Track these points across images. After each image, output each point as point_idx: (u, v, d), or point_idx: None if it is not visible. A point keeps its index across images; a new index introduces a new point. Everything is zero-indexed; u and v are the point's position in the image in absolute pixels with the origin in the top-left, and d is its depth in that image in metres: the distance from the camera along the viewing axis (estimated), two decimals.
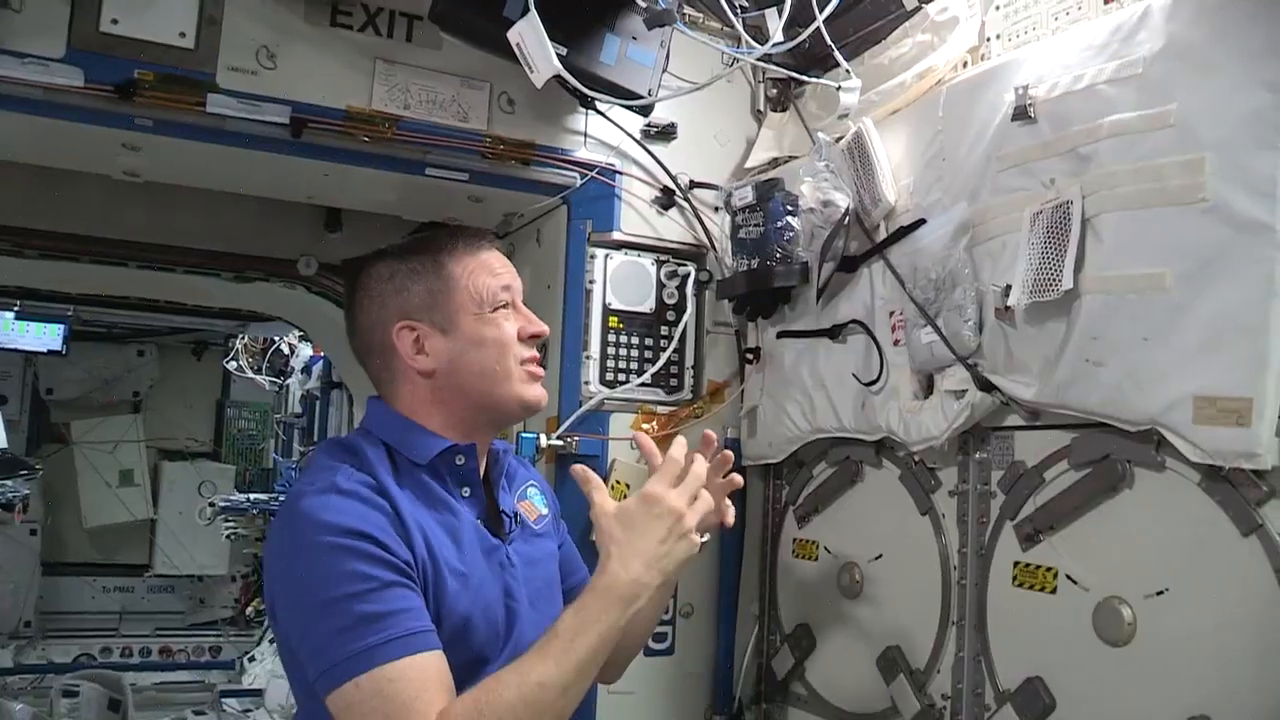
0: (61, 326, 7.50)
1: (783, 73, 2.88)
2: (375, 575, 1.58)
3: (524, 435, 2.83)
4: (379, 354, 1.88)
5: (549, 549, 2.03)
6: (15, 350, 7.79)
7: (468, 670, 1.66)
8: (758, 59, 2.55)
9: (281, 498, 7.96)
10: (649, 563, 1.64)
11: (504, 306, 1.87)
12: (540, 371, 1.90)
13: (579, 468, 1.79)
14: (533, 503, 2.03)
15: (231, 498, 8.18)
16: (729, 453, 2.05)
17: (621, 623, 1.62)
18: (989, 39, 2.48)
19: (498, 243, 1.97)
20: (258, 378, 8.67)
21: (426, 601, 1.65)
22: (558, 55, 2.33)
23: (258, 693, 6.78)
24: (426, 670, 1.56)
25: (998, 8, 2.45)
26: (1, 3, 2.41)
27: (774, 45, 2.45)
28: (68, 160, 3.19)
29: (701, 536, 1.75)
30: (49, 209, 3.74)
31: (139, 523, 8.92)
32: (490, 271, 1.87)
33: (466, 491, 1.85)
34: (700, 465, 1.75)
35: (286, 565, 1.65)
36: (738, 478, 2.04)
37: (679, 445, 1.77)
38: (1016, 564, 2.24)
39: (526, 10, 2.29)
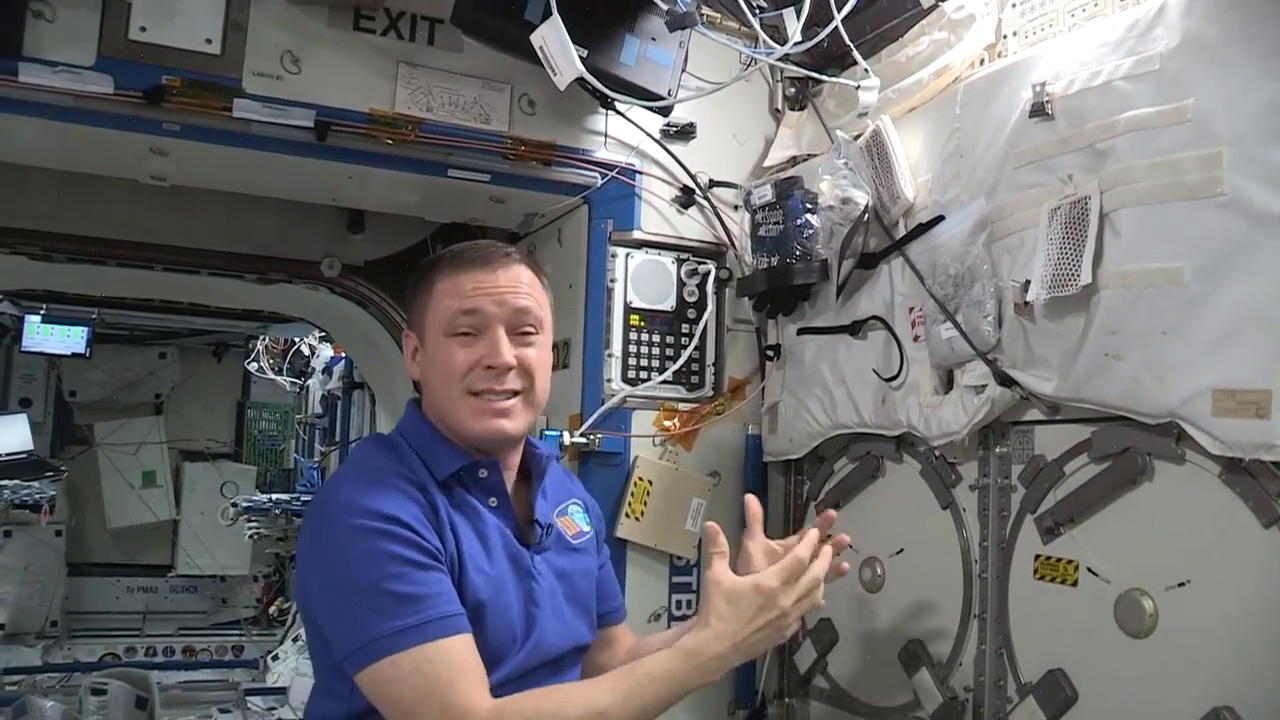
0: (85, 329, 7.57)
1: (801, 72, 2.90)
2: (410, 557, 1.62)
3: (547, 432, 2.87)
4: None
5: (585, 566, 2.03)
6: (40, 353, 7.88)
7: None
8: (777, 59, 2.56)
9: (304, 497, 8.03)
10: (739, 646, 1.70)
11: (463, 334, 1.82)
12: (501, 405, 1.82)
13: (711, 526, 1.81)
14: (573, 519, 2.03)
15: (254, 498, 8.24)
16: (844, 537, 2.06)
17: (693, 686, 1.68)
18: (1005, 36, 2.49)
19: (513, 259, 1.90)
20: (278, 379, 8.74)
21: None
22: (579, 56, 2.36)
23: (282, 691, 6.82)
24: (463, 654, 1.60)
25: (1014, 5, 2.46)
26: (36, 13, 2.47)
27: (793, 45, 2.46)
28: (97, 165, 3.24)
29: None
30: (77, 214, 3.79)
31: (162, 523, 9.00)
32: (459, 294, 1.82)
33: (494, 502, 1.86)
34: (820, 567, 1.82)
35: (321, 548, 1.68)
36: (844, 566, 2.06)
37: (808, 543, 1.82)
38: (1037, 557, 2.26)
39: (548, 13, 2.32)
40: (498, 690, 1.64)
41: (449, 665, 1.57)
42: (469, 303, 1.82)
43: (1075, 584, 2.16)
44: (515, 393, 1.83)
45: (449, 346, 1.82)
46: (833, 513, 2.04)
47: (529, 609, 1.81)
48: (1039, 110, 2.20)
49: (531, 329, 1.87)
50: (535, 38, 2.37)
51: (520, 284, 1.87)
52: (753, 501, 2.01)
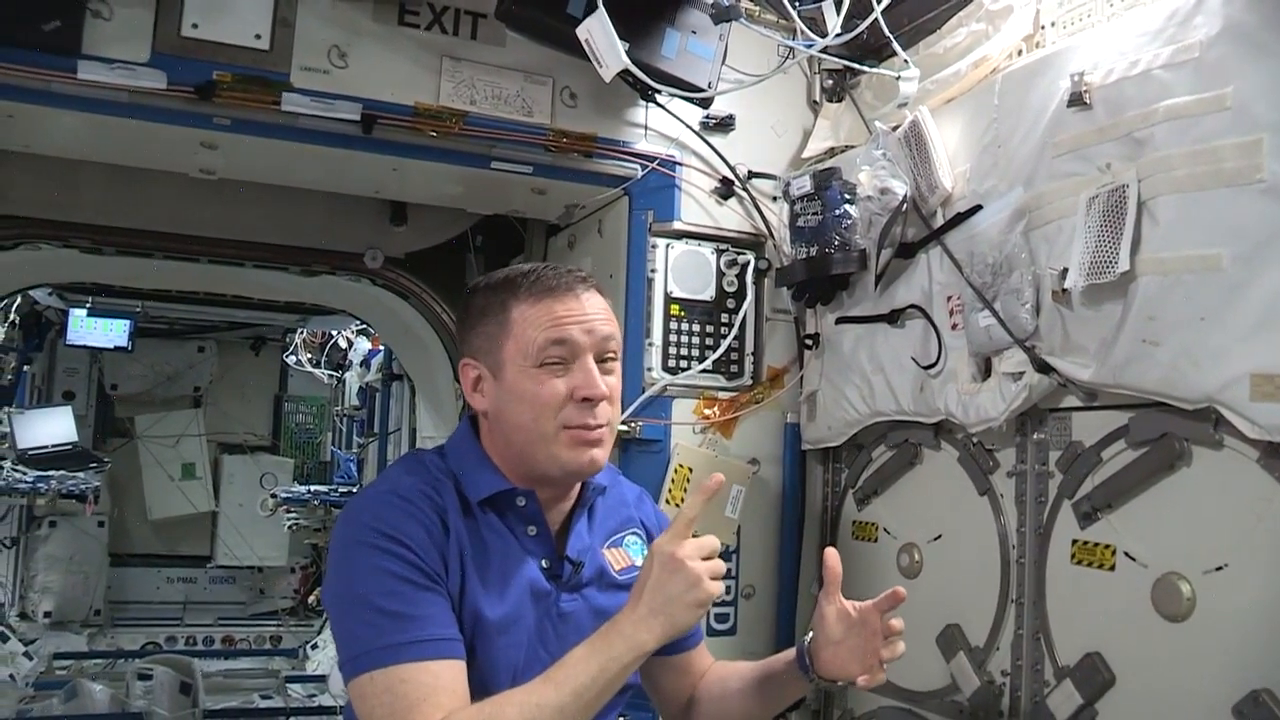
0: (128, 323, 7.69)
1: (840, 63, 2.93)
2: (408, 577, 1.62)
3: None
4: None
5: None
6: (84, 346, 8.03)
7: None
8: (817, 51, 2.59)
9: (341, 489, 8.13)
10: (653, 608, 1.61)
11: (554, 363, 1.72)
12: (593, 436, 1.73)
13: (716, 478, 1.70)
14: (627, 551, 1.93)
15: (293, 489, 8.36)
16: (899, 590, 1.84)
17: (622, 656, 1.60)
18: (1043, 26, 2.51)
19: (591, 284, 1.80)
20: (316, 371, 8.84)
21: None
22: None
23: (321, 678, 6.93)
24: (440, 677, 1.58)
25: None
26: (94, 12, 2.54)
27: (833, 37, 2.49)
28: (148, 159, 3.31)
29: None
30: (126, 207, 3.88)
31: (201, 515, 9.16)
32: (546, 324, 1.73)
33: (532, 530, 1.79)
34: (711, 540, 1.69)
35: (337, 556, 1.70)
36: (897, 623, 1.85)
37: (697, 499, 1.70)
38: (1075, 542, 2.28)
39: (592, 7, 2.37)
40: None
41: (420, 686, 1.56)
42: (559, 332, 1.72)
43: (1113, 568, 2.18)
44: (605, 424, 1.75)
45: (539, 378, 1.71)
46: (902, 591, 1.83)
47: (537, 652, 1.74)
48: (1077, 100, 2.22)
49: (613, 356, 1.80)
50: (581, 30, 2.42)
51: (602, 310, 1.79)
52: (833, 560, 1.84)
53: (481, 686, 1.65)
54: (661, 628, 1.62)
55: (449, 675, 1.59)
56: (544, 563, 1.78)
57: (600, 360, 1.76)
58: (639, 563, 1.86)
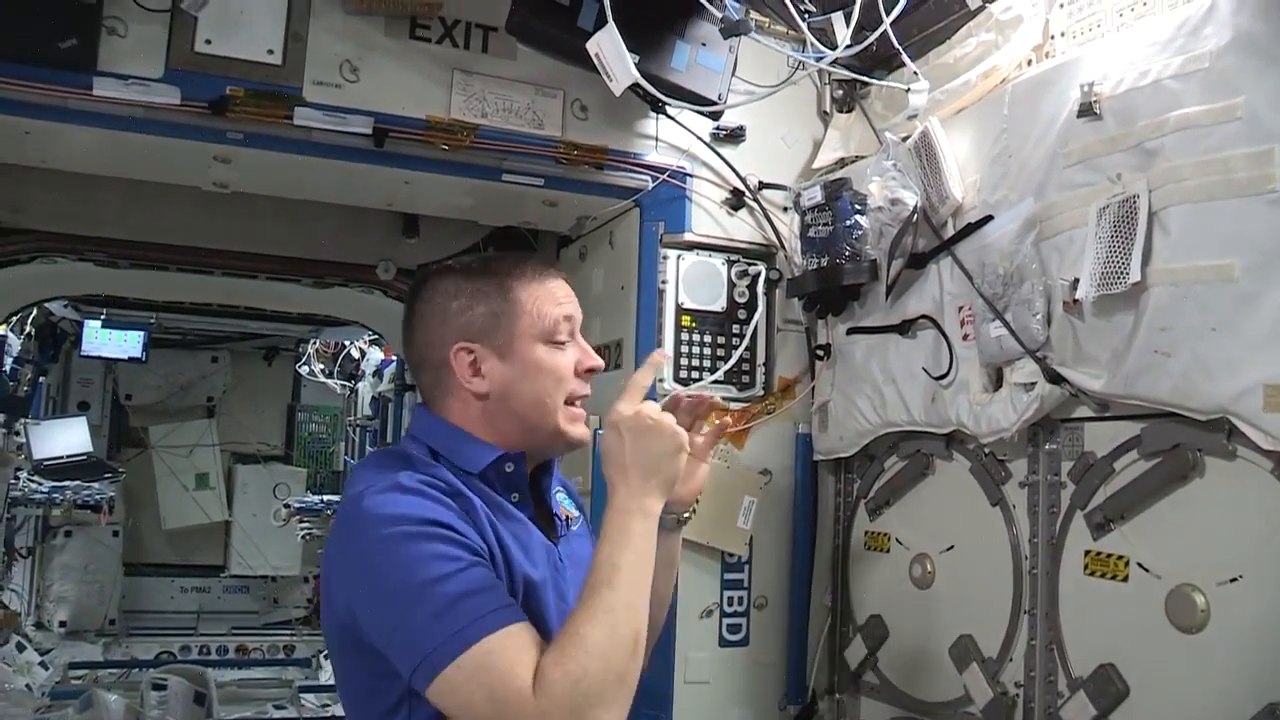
0: (142, 334, 7.73)
1: (849, 75, 2.93)
2: (457, 555, 1.60)
3: (600, 432, 2.91)
4: (434, 369, 1.87)
5: (587, 550, 1.97)
6: (98, 357, 8.08)
7: None
8: (826, 65, 2.59)
9: None
10: (638, 466, 1.68)
11: (558, 341, 1.83)
12: (582, 412, 1.85)
13: (661, 353, 1.88)
14: (565, 506, 2.03)
15: (305, 499, 8.37)
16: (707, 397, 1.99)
17: (648, 531, 1.66)
18: (1053, 36, 2.52)
19: (562, 273, 1.93)
20: (329, 381, 8.86)
21: None
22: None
23: (335, 689, 6.92)
24: (521, 638, 1.57)
25: (1062, 5, 2.49)
26: (109, 29, 2.57)
27: (843, 50, 2.50)
28: (162, 174, 3.34)
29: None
30: (141, 221, 3.90)
31: (214, 524, 9.16)
32: (555, 300, 1.84)
33: (515, 497, 1.85)
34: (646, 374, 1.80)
35: (362, 564, 1.66)
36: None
37: (647, 370, 1.80)
38: (1088, 553, 2.28)
39: (602, 21, 2.37)
40: None
41: (506, 651, 1.54)
42: (567, 309, 1.85)
43: (1126, 579, 2.18)
44: None
45: (552, 353, 1.82)
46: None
47: (560, 606, 1.80)
48: (1087, 110, 2.22)
49: None
50: (591, 45, 2.42)
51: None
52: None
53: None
54: (659, 487, 1.70)
55: (528, 635, 1.59)
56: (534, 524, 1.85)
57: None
58: (574, 514, 2.01)
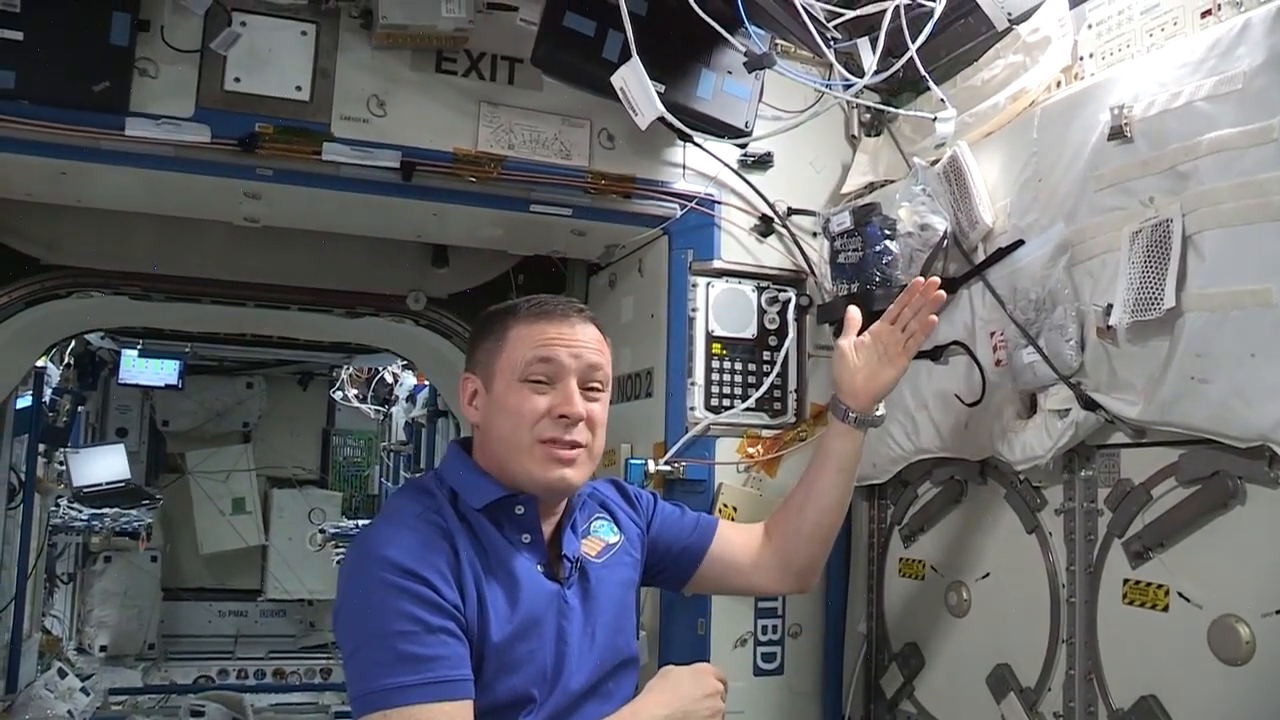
0: (178, 362, 7.85)
1: (875, 105, 2.92)
2: (423, 619, 1.68)
3: (631, 461, 2.91)
4: None
5: (618, 577, 2.06)
6: (136, 385, 8.22)
7: (513, 705, 1.78)
8: (853, 96, 2.58)
9: None
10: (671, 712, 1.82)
11: (539, 380, 1.86)
12: (567, 455, 1.86)
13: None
14: (598, 535, 2.06)
15: (340, 524, 8.42)
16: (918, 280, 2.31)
17: None
18: (1082, 58, 2.49)
19: (586, 316, 1.96)
20: (363, 406, 8.92)
21: (471, 645, 1.74)
22: (657, 93, 2.42)
23: None
24: (453, 718, 1.66)
25: (1090, 26, 2.46)
26: (141, 70, 2.61)
27: (870, 77, 2.49)
28: (194, 210, 3.38)
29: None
30: (174, 255, 3.95)
31: (251, 549, 9.25)
32: (537, 343, 1.87)
33: (526, 538, 1.90)
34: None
35: (349, 592, 1.76)
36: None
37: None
38: (1126, 581, 2.24)
39: (627, 53, 2.38)
40: None
41: None
42: (545, 351, 1.87)
43: (1166, 609, 2.14)
44: (580, 445, 1.88)
45: (522, 392, 1.86)
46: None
47: (559, 648, 1.85)
48: (1118, 133, 2.19)
49: (599, 385, 1.93)
50: (616, 79, 2.43)
51: (593, 341, 1.93)
52: (854, 312, 2.34)
53: (524, 690, 1.78)
54: None
55: (459, 716, 1.67)
56: (539, 566, 1.89)
57: (585, 387, 1.90)
58: (613, 539, 2.07)
